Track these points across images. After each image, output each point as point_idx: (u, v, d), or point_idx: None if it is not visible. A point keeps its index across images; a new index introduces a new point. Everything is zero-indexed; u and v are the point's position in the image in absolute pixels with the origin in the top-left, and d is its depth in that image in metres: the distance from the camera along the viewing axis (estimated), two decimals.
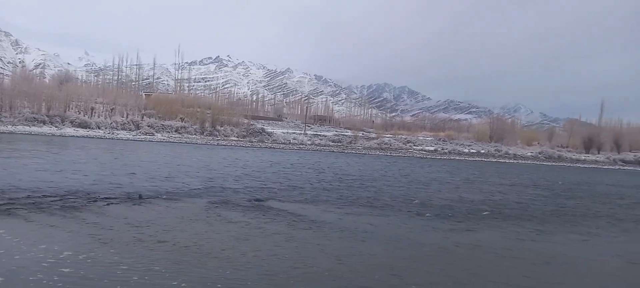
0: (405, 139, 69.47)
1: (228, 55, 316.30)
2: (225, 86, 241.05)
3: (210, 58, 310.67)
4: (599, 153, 70.24)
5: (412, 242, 7.63)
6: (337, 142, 63.16)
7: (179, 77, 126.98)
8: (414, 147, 63.12)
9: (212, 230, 7.57)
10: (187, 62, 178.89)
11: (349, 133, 74.28)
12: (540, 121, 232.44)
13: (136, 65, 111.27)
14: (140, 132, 53.33)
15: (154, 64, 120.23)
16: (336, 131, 79.32)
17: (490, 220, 10.33)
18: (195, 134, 57.66)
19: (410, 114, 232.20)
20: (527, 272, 6.36)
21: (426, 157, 52.15)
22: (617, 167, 58.96)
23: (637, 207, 15.21)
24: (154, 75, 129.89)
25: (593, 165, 58.07)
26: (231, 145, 48.58)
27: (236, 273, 5.35)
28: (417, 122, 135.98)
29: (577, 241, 8.68)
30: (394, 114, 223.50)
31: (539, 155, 62.85)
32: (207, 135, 57.53)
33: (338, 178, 18.56)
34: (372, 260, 6.41)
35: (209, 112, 63.99)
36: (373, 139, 68.05)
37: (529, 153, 64.08)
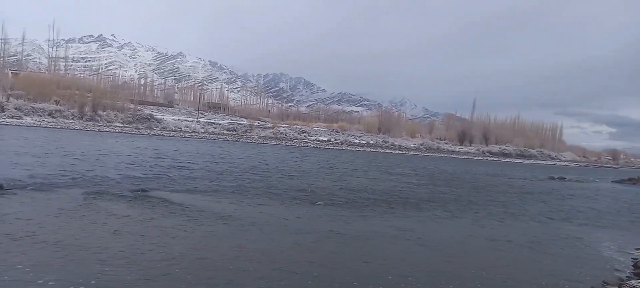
0: (301, 129, 70.50)
1: (112, 35, 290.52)
2: (109, 68, 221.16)
3: (91, 36, 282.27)
4: (470, 145, 78.36)
5: (309, 232, 7.75)
6: (232, 131, 61.92)
7: (54, 55, 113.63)
8: (309, 138, 64.42)
9: (88, 224, 6.91)
10: (64, 39, 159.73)
11: (245, 122, 73.24)
12: (422, 115, 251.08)
13: (1, 39, 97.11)
14: (5, 115, 46.86)
15: (23, 39, 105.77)
16: (231, 119, 77.64)
17: (380, 207, 10.94)
18: (72, 119, 52.27)
19: (306, 105, 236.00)
20: (413, 253, 6.84)
21: (320, 147, 53.58)
22: (485, 158, 66.37)
23: (498, 194, 17.30)
24: (23, 52, 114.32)
25: (465, 156, 64.67)
26: (115, 132, 45.01)
27: (114, 269, 4.94)
28: (312, 113, 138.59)
29: (451, 224, 9.58)
30: (290, 104, 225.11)
31: (421, 147, 68.20)
32: (87, 121, 52.51)
33: (232, 167, 18.21)
34: (267, 252, 6.37)
35: (89, 95, 58.33)
36: (269, 128, 67.94)
37: (412, 145, 69.18)
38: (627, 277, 6.29)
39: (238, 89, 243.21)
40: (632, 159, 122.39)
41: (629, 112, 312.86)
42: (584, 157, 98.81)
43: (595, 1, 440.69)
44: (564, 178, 29.48)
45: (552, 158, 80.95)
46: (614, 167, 78.57)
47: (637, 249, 8.20)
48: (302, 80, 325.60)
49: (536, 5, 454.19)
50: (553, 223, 10.85)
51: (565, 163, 76.62)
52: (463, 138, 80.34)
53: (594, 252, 7.90)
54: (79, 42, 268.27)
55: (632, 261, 7.22)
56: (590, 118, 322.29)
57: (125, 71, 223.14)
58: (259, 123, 73.92)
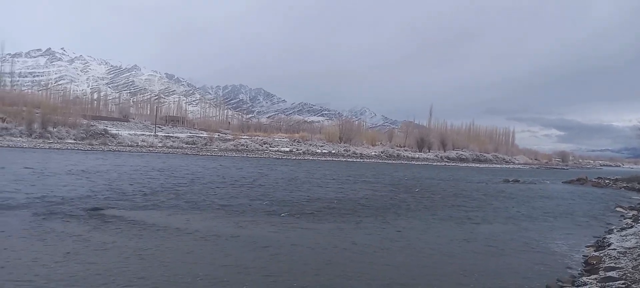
0: (262, 140, 70.05)
1: (62, 48, 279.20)
2: (60, 82, 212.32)
3: (39, 50, 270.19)
4: (429, 151, 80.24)
5: (279, 244, 7.64)
6: (192, 144, 60.70)
7: None
8: (270, 148, 64.05)
9: (37, 246, 6.54)
10: (9, 54, 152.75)
11: (204, 135, 72.00)
12: (382, 123, 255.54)
13: None
14: None
15: None
16: (190, 132, 76.14)
17: (347, 216, 10.95)
18: (20, 137, 49.68)
19: (267, 116, 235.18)
20: (382, 260, 6.87)
21: (282, 158, 53.38)
22: (443, 163, 68.13)
23: (458, 198, 17.75)
24: None
25: (425, 162, 66.19)
26: (67, 149, 43.12)
27: None
28: (273, 124, 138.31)
29: (418, 229, 9.71)
30: (250, 115, 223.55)
31: (382, 154, 69.20)
32: (36, 138, 50.06)
33: (191, 181, 17.79)
34: (237, 266, 6.22)
35: (38, 111, 55.68)
36: (229, 140, 67.07)
37: (373, 153, 70.10)
38: (579, 273, 6.57)
39: (197, 101, 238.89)
40: (580, 160, 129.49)
41: (575, 116, 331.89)
42: (535, 159, 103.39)
43: (531, 21, 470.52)
44: (518, 181, 30.64)
45: (507, 162, 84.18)
46: (564, 168, 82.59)
47: (587, 247, 8.60)
48: (262, 92, 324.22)
49: (480, 24, 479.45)
50: (509, 224, 11.22)
51: (519, 166, 79.84)
52: (422, 144, 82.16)
53: (548, 251, 8.20)
54: (25, 57, 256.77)
55: (583, 259, 7.56)
56: (539, 122, 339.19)
57: (77, 85, 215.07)
58: (219, 135, 72.91)
